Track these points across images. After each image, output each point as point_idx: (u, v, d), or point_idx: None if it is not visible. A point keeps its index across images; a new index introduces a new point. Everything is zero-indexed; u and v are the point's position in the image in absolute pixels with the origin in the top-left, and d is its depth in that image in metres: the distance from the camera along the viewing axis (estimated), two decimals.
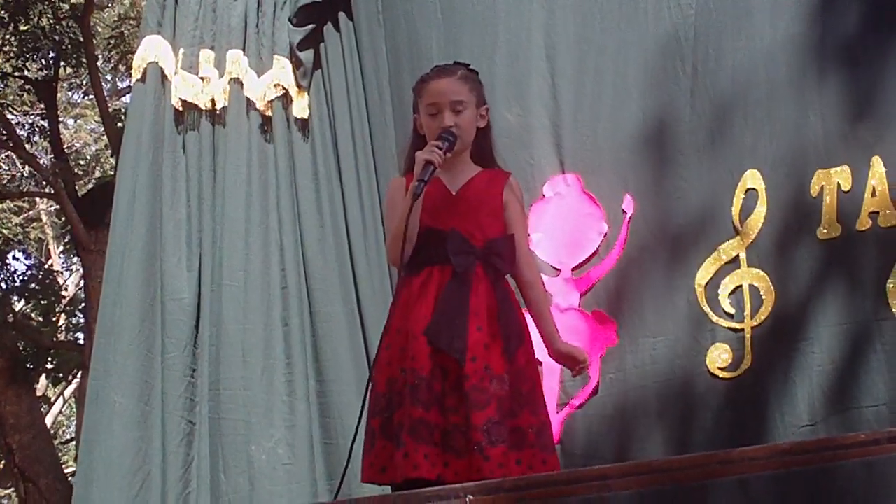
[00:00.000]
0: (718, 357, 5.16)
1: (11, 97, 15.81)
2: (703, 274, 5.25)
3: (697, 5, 5.41)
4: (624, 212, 5.44)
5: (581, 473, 3.54)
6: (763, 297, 5.13)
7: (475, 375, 4.11)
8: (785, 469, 3.32)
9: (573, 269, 5.52)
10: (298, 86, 6.24)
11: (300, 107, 6.24)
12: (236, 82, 6.22)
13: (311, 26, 6.23)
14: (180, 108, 6.18)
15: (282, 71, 6.23)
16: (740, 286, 5.17)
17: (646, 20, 5.54)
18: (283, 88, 6.22)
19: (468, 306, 4.20)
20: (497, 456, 4.04)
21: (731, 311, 5.17)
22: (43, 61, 14.46)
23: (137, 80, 6.26)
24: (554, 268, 5.52)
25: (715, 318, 5.21)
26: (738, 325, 5.16)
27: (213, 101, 6.20)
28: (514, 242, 4.38)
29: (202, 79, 6.21)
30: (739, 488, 3.24)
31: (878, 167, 4.96)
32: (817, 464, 3.27)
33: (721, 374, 5.15)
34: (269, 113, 6.22)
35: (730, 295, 5.18)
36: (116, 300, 5.86)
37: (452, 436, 4.09)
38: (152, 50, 6.21)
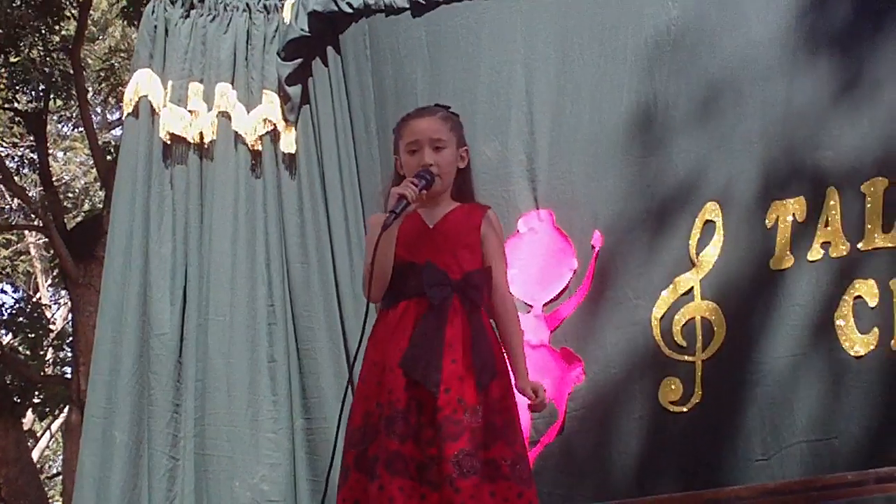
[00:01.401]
0: (669, 391, 5.17)
1: (1, 129, 15.81)
2: (660, 306, 5.27)
3: (672, 45, 5.46)
4: (593, 247, 5.46)
5: None
6: (715, 329, 5.14)
7: (448, 407, 4.09)
8: None
9: (544, 305, 5.54)
10: (286, 120, 6.25)
11: (287, 141, 6.25)
12: (224, 116, 6.23)
13: (299, 60, 6.25)
14: (168, 142, 6.18)
15: (270, 105, 6.24)
16: (693, 319, 5.20)
17: (624, 55, 5.59)
18: (272, 123, 6.23)
19: (443, 338, 4.19)
20: (468, 488, 4.01)
21: (683, 344, 5.19)
22: (33, 93, 14.45)
23: (129, 115, 6.27)
24: (526, 304, 5.53)
25: (667, 352, 5.22)
26: (688, 358, 5.17)
27: (201, 134, 6.20)
28: (490, 275, 4.39)
29: (191, 112, 6.22)
30: None
31: (832, 197, 4.98)
32: None
33: (672, 409, 5.16)
34: (257, 147, 6.22)
35: (683, 327, 5.20)
36: (116, 337, 5.88)
37: (428, 468, 4.07)
38: (143, 84, 6.22)
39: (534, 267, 5.57)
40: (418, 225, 4.36)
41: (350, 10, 6.19)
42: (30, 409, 15.61)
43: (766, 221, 5.09)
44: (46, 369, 16.33)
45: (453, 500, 4.00)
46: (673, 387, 5.16)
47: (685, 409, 5.12)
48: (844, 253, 4.92)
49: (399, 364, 4.17)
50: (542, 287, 5.54)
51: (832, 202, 4.98)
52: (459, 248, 4.34)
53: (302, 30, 6.20)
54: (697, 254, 5.22)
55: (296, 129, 6.28)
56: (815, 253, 4.97)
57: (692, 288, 5.21)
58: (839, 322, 4.86)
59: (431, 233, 4.36)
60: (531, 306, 5.53)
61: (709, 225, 5.23)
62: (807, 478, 4.77)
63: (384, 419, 4.13)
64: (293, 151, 6.24)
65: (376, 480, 4.06)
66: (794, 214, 5.05)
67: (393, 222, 4.20)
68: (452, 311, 4.24)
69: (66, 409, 15.64)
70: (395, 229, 4.23)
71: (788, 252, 5.03)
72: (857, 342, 4.81)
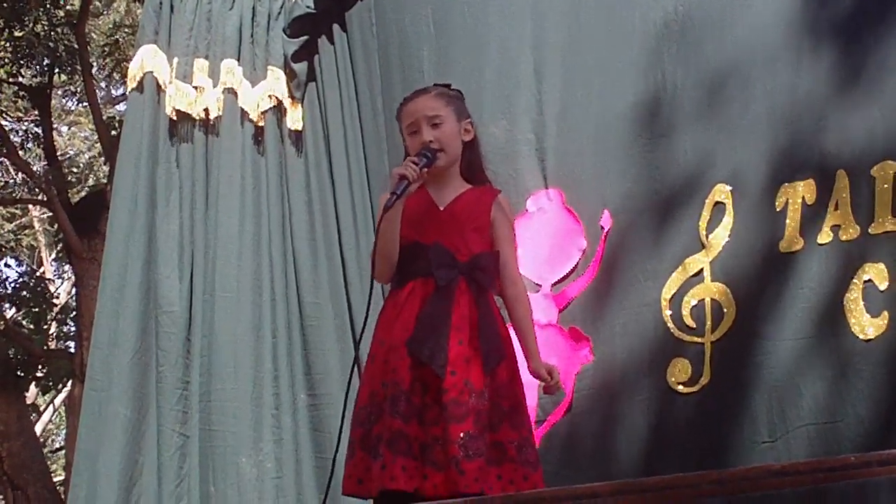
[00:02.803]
0: (679, 371, 5.16)
1: (5, 103, 15.78)
2: (669, 288, 5.26)
3: (680, 25, 5.44)
4: (602, 227, 5.45)
5: (571, 491, 3.52)
6: (724, 311, 5.12)
7: (454, 389, 4.10)
8: (777, 490, 3.31)
9: (553, 285, 5.53)
10: (292, 97, 6.24)
11: (294, 118, 6.23)
12: (230, 92, 6.21)
13: (305, 37, 6.24)
14: (174, 118, 6.17)
15: (276, 82, 6.23)
16: (703, 300, 5.18)
17: (632, 34, 5.56)
18: (277, 99, 6.22)
19: (450, 320, 4.21)
20: (473, 470, 4.03)
21: (693, 325, 5.18)
22: (37, 68, 14.43)
23: (133, 90, 6.24)
24: (535, 283, 5.52)
25: (677, 333, 5.21)
26: (698, 339, 5.16)
27: (206, 111, 6.19)
28: (498, 258, 4.40)
29: (196, 88, 6.20)
30: None
31: (842, 180, 4.96)
32: (809, 485, 3.26)
33: (681, 389, 5.15)
34: (262, 124, 6.21)
35: (692, 308, 5.19)
36: (118, 311, 5.87)
37: (432, 448, 4.08)
38: (148, 59, 6.20)
39: (542, 246, 5.56)
40: (428, 206, 4.37)
41: None
42: (33, 384, 15.62)
43: (776, 204, 5.07)
44: (50, 343, 16.34)
45: (458, 482, 4.01)
46: (682, 368, 5.15)
47: (694, 390, 5.11)
48: (854, 236, 4.88)
49: (406, 344, 4.18)
50: (550, 267, 5.53)
51: (841, 185, 4.95)
52: (468, 231, 4.35)
53: (308, 7, 6.19)
54: (707, 235, 5.20)
55: (302, 107, 6.27)
56: (825, 236, 4.94)
57: (702, 269, 5.19)
58: (849, 305, 4.85)
59: (441, 214, 4.38)
60: (540, 286, 5.52)
61: (718, 207, 5.21)
62: (813, 459, 4.77)
63: (388, 398, 4.15)
64: (299, 128, 6.24)
65: (379, 459, 4.09)
66: (803, 197, 5.02)
67: (395, 203, 4.22)
68: (459, 292, 4.26)
69: (69, 384, 15.65)
70: (398, 210, 4.26)
71: (798, 235, 5.00)
72: (867, 325, 4.79)
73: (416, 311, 4.24)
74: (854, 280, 4.85)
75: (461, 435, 4.04)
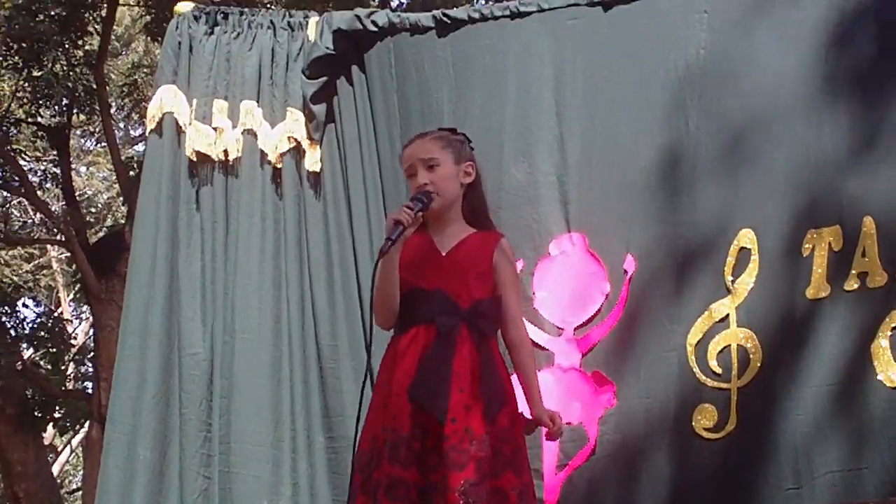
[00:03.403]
0: (704, 417, 5.13)
1: (24, 143, 15.86)
2: (695, 333, 5.25)
3: (703, 63, 5.44)
4: (625, 271, 5.43)
5: None
6: (751, 357, 5.11)
7: (455, 436, 4.10)
8: None
9: (576, 329, 5.50)
10: (311, 138, 6.23)
11: (312, 160, 6.22)
12: (250, 133, 6.21)
13: (324, 79, 6.23)
14: (194, 159, 6.17)
15: (295, 123, 6.22)
16: (729, 346, 5.17)
17: (654, 77, 5.57)
18: (296, 140, 6.21)
19: (451, 367, 4.20)
20: None
21: (719, 371, 5.16)
22: (56, 108, 14.49)
23: (152, 131, 6.25)
24: (557, 327, 5.51)
25: (702, 378, 5.20)
26: (724, 385, 5.14)
27: (225, 152, 6.19)
28: (500, 304, 4.38)
29: (215, 129, 6.20)
30: None
31: (869, 227, 4.95)
32: None
33: (706, 435, 5.13)
34: (280, 165, 6.20)
35: (718, 354, 5.17)
36: (140, 353, 5.87)
37: (431, 494, 4.08)
38: (167, 100, 6.21)
39: (565, 290, 5.53)
40: (430, 251, 4.38)
41: (375, 29, 6.17)
42: (50, 424, 15.65)
43: (803, 250, 5.06)
44: (67, 384, 16.39)
45: None
46: (708, 413, 5.13)
47: (719, 437, 5.09)
48: (882, 283, 4.89)
49: (407, 391, 4.19)
50: (573, 310, 5.51)
51: (868, 231, 4.94)
52: (471, 277, 4.35)
53: (327, 48, 6.18)
54: (733, 281, 5.19)
55: (320, 148, 6.26)
56: (852, 282, 4.94)
57: (727, 315, 5.18)
58: (876, 352, 4.83)
59: (443, 260, 4.38)
60: (562, 329, 5.50)
61: (744, 252, 5.20)
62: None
63: (388, 444, 4.16)
64: (318, 170, 6.22)
65: None
66: (829, 243, 5.02)
67: (389, 249, 4.23)
68: (461, 339, 4.25)
69: (86, 424, 15.66)
70: (395, 256, 4.28)
71: (825, 281, 5.00)
72: (894, 372, 4.77)
73: (417, 358, 4.24)
74: (881, 327, 4.83)
75: (462, 482, 4.03)
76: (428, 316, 4.28)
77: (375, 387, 4.36)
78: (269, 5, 13.69)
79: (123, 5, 16.09)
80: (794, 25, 5.30)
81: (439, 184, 4.41)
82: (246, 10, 6.49)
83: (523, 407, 4.48)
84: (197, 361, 5.89)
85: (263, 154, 6.20)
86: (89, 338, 18.04)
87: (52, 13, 13.18)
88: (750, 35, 5.37)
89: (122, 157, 15.03)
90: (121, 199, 17.36)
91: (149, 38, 14.79)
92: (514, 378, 4.52)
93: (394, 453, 4.11)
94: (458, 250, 4.40)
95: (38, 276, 20.15)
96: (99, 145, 19.88)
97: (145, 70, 16.69)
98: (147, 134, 6.39)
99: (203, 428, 5.83)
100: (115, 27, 15.40)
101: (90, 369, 16.63)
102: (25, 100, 14.35)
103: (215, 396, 5.86)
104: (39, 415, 13.86)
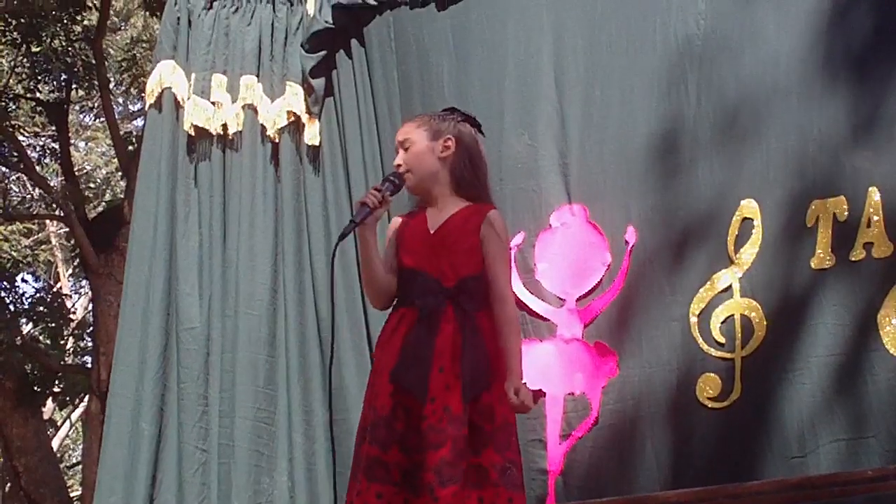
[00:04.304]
0: (708, 386, 5.15)
1: (23, 119, 15.81)
2: (697, 303, 5.27)
3: (703, 33, 5.44)
4: (626, 242, 5.45)
5: None
6: (755, 326, 5.13)
7: (433, 416, 4.08)
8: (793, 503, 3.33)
9: (577, 300, 5.52)
10: (310, 112, 6.24)
11: (311, 134, 6.23)
12: (250, 108, 6.23)
13: (323, 53, 6.23)
14: (192, 134, 6.18)
15: (294, 97, 6.22)
16: (732, 316, 5.18)
17: (653, 47, 5.57)
18: (295, 115, 6.21)
19: (433, 347, 4.17)
20: (446, 497, 3.97)
21: (722, 340, 5.18)
22: (55, 83, 14.44)
23: (151, 106, 6.27)
24: (559, 298, 5.53)
25: (705, 348, 5.21)
26: (728, 355, 5.16)
27: (224, 126, 6.20)
28: (485, 281, 4.33)
29: (214, 104, 6.21)
30: None
31: (874, 197, 4.96)
32: (825, 499, 3.27)
33: (710, 405, 5.15)
34: (279, 140, 6.21)
35: (721, 324, 5.19)
36: (140, 328, 5.92)
37: (413, 475, 4.07)
38: (166, 75, 6.23)
39: (566, 261, 5.56)
40: (422, 231, 4.37)
41: (374, 3, 6.19)
42: (50, 399, 15.65)
43: (807, 220, 5.08)
44: (67, 359, 16.34)
45: None
46: (711, 382, 5.15)
47: (723, 405, 5.11)
48: (888, 254, 4.90)
49: (389, 373, 4.18)
50: (574, 282, 5.53)
51: (874, 201, 4.95)
52: (456, 254, 4.29)
53: (326, 22, 6.18)
54: (736, 251, 5.20)
55: (319, 122, 6.27)
56: (858, 253, 4.95)
57: (731, 285, 5.20)
58: (882, 322, 4.84)
59: (432, 238, 4.34)
60: (564, 300, 5.52)
61: (746, 222, 5.21)
62: (827, 473, 4.77)
63: (370, 424, 4.16)
64: (317, 144, 6.22)
65: (356, 485, 4.11)
66: (834, 214, 5.03)
67: (351, 231, 4.27)
68: (445, 319, 4.21)
69: (85, 399, 15.67)
70: (370, 238, 4.29)
71: (829, 252, 5.01)
72: None
73: (402, 338, 4.23)
74: (887, 297, 4.84)
75: (437, 461, 4.02)
76: (413, 296, 4.29)
77: (372, 366, 4.38)
78: None
79: None
80: None
81: (411, 161, 4.39)
82: None
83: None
84: (194, 336, 5.93)
85: (263, 129, 6.21)
86: (88, 312, 18.03)
87: None
88: (750, 4, 5.37)
89: (121, 133, 15.00)
90: (119, 174, 17.34)
91: (148, 13, 14.70)
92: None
93: (374, 434, 4.11)
94: (445, 226, 4.35)
95: (36, 252, 20.10)
96: (98, 120, 19.80)
97: (144, 45, 16.62)
98: (146, 109, 6.40)
99: (201, 402, 5.87)
100: (113, 2, 15.35)
101: (89, 344, 16.61)
102: (24, 75, 14.32)
103: (217, 371, 5.89)
104: (39, 389, 13.83)
